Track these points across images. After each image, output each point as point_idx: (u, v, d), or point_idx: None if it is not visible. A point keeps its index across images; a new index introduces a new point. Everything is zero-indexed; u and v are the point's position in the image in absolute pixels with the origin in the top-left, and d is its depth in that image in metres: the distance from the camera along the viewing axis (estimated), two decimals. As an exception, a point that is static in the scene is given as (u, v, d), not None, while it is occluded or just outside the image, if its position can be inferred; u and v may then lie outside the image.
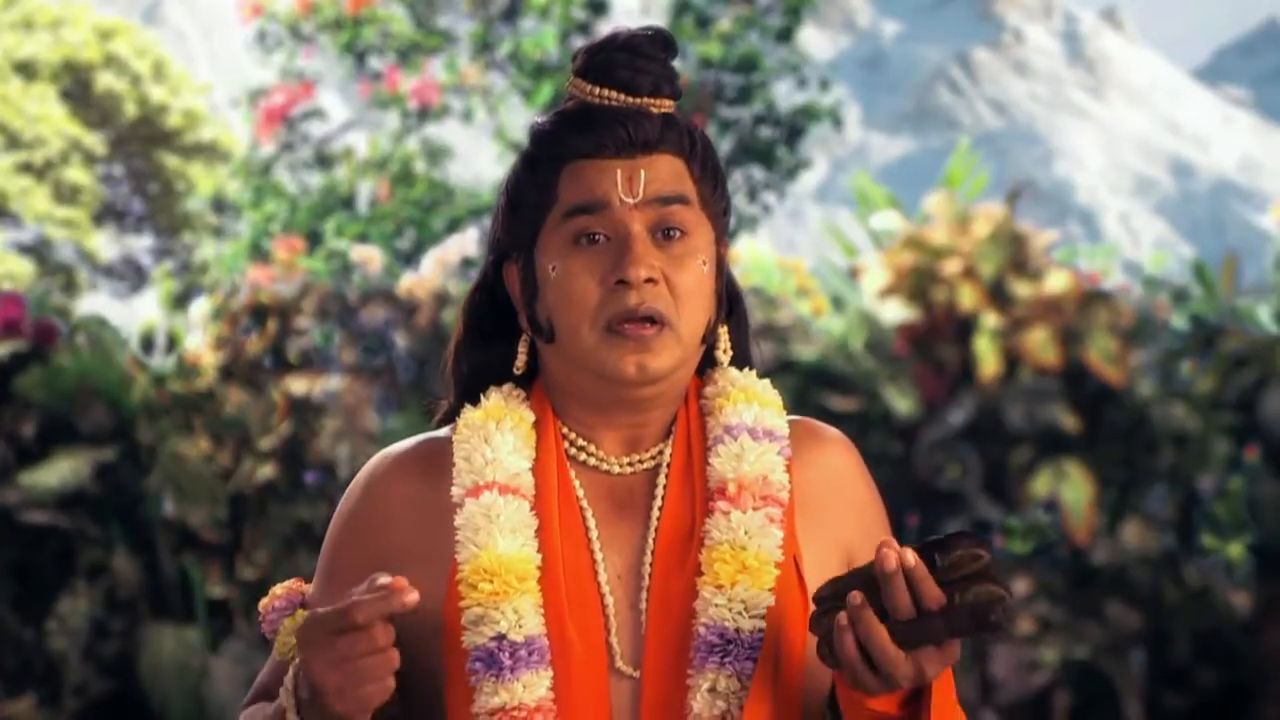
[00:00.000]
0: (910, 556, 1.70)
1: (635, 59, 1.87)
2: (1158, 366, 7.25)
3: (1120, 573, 6.94)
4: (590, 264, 1.84)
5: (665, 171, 1.86)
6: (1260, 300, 7.81)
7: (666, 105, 1.88)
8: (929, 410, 6.96)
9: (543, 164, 1.88)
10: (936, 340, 7.01)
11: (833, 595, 1.76)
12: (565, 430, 1.90)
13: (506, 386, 1.92)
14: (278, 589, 1.97)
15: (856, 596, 1.71)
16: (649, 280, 1.83)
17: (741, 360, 1.95)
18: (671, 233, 1.85)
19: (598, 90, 1.87)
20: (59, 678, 6.46)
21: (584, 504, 1.88)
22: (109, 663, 6.52)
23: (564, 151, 1.87)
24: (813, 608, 1.77)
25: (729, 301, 1.93)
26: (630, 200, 1.85)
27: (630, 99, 1.87)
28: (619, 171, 1.85)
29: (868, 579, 1.73)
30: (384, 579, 1.69)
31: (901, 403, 6.90)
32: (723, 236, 1.92)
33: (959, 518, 6.91)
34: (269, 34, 15.11)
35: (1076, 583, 6.96)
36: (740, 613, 1.81)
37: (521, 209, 1.89)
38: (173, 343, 7.11)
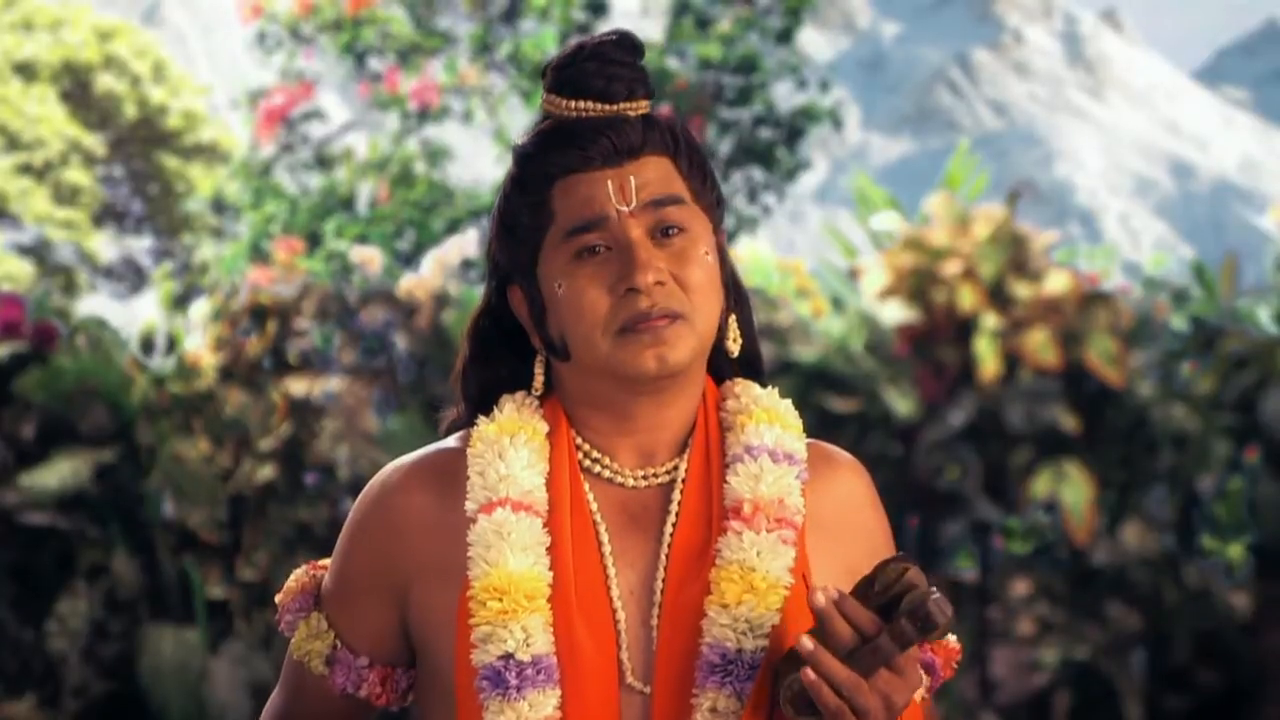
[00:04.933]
0: (834, 589, 1.72)
1: (606, 67, 1.86)
2: (1158, 367, 7.24)
3: (1120, 573, 6.94)
4: (596, 275, 1.84)
5: (654, 174, 1.86)
6: (1260, 301, 7.79)
7: (643, 107, 1.88)
8: (929, 411, 6.96)
9: (532, 185, 1.87)
10: (936, 341, 7.01)
11: (791, 661, 1.77)
12: (580, 442, 1.90)
13: (520, 395, 1.91)
14: (292, 581, 1.97)
15: (808, 642, 1.72)
16: (658, 283, 1.83)
17: (749, 346, 1.95)
18: (670, 231, 1.85)
19: (573, 104, 1.86)
20: (59, 678, 6.46)
21: (597, 518, 1.87)
22: (109, 664, 6.52)
23: (552, 170, 1.86)
24: (782, 685, 1.78)
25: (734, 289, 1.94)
26: (625, 209, 1.84)
27: (607, 107, 1.86)
28: (610, 182, 1.84)
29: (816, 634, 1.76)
30: None
31: (901, 404, 6.90)
32: (719, 226, 1.91)
33: (959, 519, 6.91)
34: (269, 35, 15.12)
35: (1076, 583, 6.96)
36: (744, 633, 1.81)
37: (518, 231, 1.88)
38: (172, 344, 7.10)
